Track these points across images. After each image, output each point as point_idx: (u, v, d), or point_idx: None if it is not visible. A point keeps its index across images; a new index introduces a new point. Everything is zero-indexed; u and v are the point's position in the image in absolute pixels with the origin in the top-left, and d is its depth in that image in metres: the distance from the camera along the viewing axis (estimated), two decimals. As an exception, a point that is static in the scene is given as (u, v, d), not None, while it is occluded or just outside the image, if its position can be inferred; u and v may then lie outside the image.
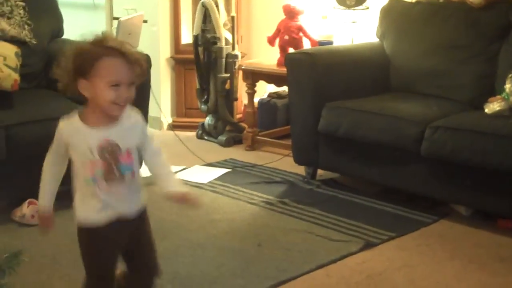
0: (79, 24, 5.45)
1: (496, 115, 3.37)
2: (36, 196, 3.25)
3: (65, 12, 4.28)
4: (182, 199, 2.11)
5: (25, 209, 3.21)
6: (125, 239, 2.10)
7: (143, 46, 3.94)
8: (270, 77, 4.65)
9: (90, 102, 2.01)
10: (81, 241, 2.13)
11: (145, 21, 4.31)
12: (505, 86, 3.44)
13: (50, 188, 2.18)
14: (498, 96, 3.47)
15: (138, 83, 2.06)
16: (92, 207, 2.04)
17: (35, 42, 3.93)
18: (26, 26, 3.91)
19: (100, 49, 1.95)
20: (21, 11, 3.92)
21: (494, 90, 3.67)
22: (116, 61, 1.95)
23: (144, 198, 2.15)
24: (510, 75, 3.44)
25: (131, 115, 2.09)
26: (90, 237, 2.09)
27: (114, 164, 2.00)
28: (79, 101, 3.49)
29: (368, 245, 3.06)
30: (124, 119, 2.05)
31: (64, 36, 4.21)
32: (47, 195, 2.18)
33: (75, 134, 2.02)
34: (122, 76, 1.97)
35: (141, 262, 2.19)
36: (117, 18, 4.02)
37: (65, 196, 3.51)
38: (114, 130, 2.02)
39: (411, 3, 4.21)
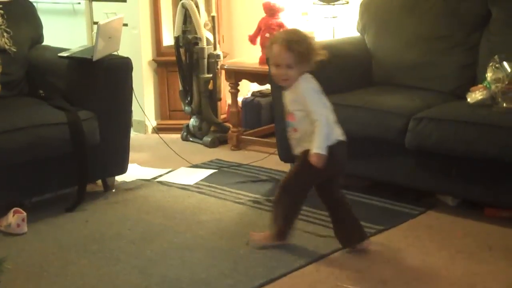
0: (59, 30, 5.45)
1: (479, 104, 3.37)
2: (20, 205, 3.26)
3: (44, 19, 4.26)
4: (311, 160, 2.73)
5: (11, 218, 3.18)
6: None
7: (124, 49, 3.93)
8: (253, 76, 4.64)
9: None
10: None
11: (125, 25, 4.29)
12: (486, 75, 3.45)
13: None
14: (480, 85, 3.48)
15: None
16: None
17: (14, 50, 3.90)
18: (5, 34, 3.89)
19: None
20: (0, 19, 3.89)
21: (476, 79, 3.69)
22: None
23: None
24: (491, 64, 3.44)
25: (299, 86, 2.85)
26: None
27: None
28: (61, 108, 3.51)
29: (356, 239, 3.05)
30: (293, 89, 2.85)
31: (44, 43, 4.19)
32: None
33: None
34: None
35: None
36: (97, 23, 4.00)
37: (52, 204, 3.52)
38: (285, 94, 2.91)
39: (391, -4, 4.21)
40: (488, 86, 3.40)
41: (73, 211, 3.46)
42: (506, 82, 3.34)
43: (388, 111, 3.46)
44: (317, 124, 2.74)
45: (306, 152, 2.77)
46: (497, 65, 3.41)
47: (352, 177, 3.78)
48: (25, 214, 3.21)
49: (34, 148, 3.32)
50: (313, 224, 3.24)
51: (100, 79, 3.60)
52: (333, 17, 4.47)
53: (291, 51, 2.76)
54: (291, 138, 2.90)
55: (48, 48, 4.10)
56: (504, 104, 3.28)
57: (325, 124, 2.76)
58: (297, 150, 2.89)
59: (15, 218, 3.18)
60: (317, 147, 2.72)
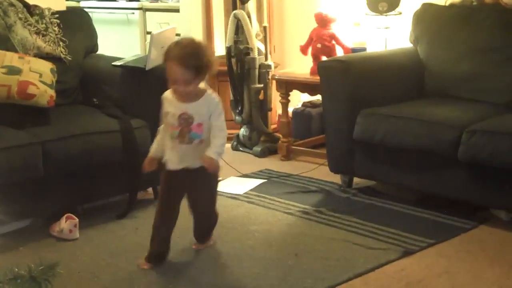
0: (113, 40, 5.55)
1: (534, 117, 3.31)
2: (73, 211, 3.32)
3: (99, 28, 4.33)
4: (205, 163, 2.79)
5: (63, 224, 3.23)
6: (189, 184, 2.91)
7: (176, 59, 3.95)
8: (304, 86, 4.64)
9: None
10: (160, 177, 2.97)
11: (178, 34, 4.34)
12: (542, 87, 3.38)
13: (157, 142, 2.96)
14: (536, 98, 3.41)
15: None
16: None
17: (70, 58, 3.97)
18: (61, 43, 3.96)
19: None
20: (56, 28, 3.97)
21: (530, 91, 3.62)
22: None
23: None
24: (547, 77, 3.38)
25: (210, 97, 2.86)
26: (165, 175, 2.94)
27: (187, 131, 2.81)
28: (114, 116, 3.56)
29: (406, 253, 3.02)
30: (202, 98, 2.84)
31: (99, 52, 4.26)
32: (153, 146, 2.99)
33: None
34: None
35: (198, 206, 3.05)
36: (150, 33, 4.05)
37: (103, 211, 3.57)
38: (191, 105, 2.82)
39: (444, 6, 4.17)
40: (544, 98, 3.34)
41: (124, 218, 3.50)
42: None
43: (440, 123, 3.42)
44: (223, 134, 2.86)
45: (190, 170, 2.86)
46: (552, 78, 3.35)
47: (404, 189, 3.75)
48: (77, 220, 3.26)
49: (88, 155, 3.37)
50: (363, 236, 3.21)
51: (153, 88, 3.63)
52: (386, 28, 4.44)
53: (187, 67, 2.72)
54: (187, 150, 2.84)
55: (102, 57, 4.16)
56: (561, 118, 3.21)
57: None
58: (182, 164, 2.87)
59: (67, 224, 3.23)
60: (217, 152, 2.81)
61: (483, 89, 3.83)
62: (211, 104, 2.84)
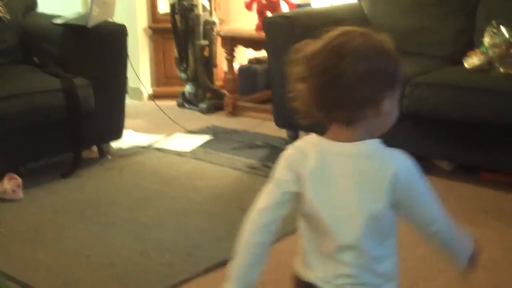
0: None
1: (476, 69, 3.36)
2: (15, 171, 3.26)
3: (38, -15, 4.22)
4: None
5: (6, 184, 3.18)
6: None
7: (119, 16, 3.89)
8: (249, 42, 4.61)
9: (376, 124, 1.40)
10: None
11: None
12: (483, 40, 3.43)
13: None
14: (477, 50, 3.46)
15: None
16: None
17: (8, 17, 3.86)
18: (-1, 1, 3.85)
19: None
20: (-8, -14, 3.86)
21: (473, 44, 3.66)
22: None
23: None
24: (488, 29, 3.42)
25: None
26: None
27: None
28: (56, 74, 3.49)
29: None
30: None
31: (39, 10, 4.15)
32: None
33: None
34: None
35: None
36: (91, -11, 3.96)
37: (48, 170, 3.52)
38: None
39: (387, -40, 4.17)
40: (485, 51, 3.39)
41: (69, 177, 3.46)
42: (504, 47, 3.32)
43: (384, 76, 3.44)
44: None
45: None
46: (494, 30, 3.39)
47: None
48: (20, 180, 3.21)
49: (29, 115, 3.31)
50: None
51: (95, 46, 3.58)
52: (330, -17, 4.44)
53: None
54: None
55: (42, 15, 4.06)
56: (501, 69, 3.26)
57: None
58: None
59: (10, 184, 3.18)
60: None
61: (426, 43, 3.86)
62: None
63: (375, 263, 1.38)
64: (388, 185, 1.34)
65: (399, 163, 1.38)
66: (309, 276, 1.43)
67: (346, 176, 1.36)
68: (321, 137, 1.40)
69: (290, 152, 1.44)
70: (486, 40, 3.40)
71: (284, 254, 2.58)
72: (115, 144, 3.87)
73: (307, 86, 1.36)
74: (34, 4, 4.13)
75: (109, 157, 3.78)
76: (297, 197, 1.41)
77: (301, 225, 1.46)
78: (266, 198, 1.46)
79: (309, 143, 1.42)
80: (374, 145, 1.39)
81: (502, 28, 3.37)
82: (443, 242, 1.48)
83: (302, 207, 1.41)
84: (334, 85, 1.32)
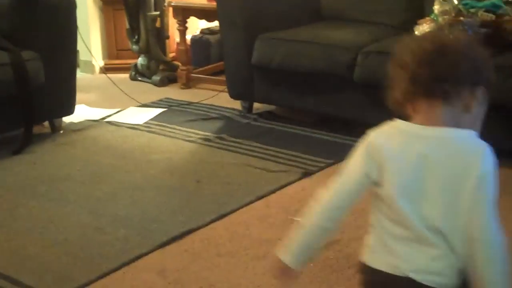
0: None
1: (426, 36, 3.39)
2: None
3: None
4: None
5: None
6: None
7: (67, -13, 3.81)
8: (201, 13, 4.57)
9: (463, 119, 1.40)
10: None
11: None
12: (433, 8, 3.45)
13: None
14: (427, 18, 3.48)
15: None
16: None
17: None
18: None
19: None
20: None
21: (423, 12, 3.69)
22: None
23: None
24: (438, -4, 3.45)
25: None
26: None
27: None
28: (3, 48, 3.41)
29: (306, 174, 3.08)
30: None
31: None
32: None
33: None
34: None
35: None
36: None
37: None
38: None
39: None
40: (435, 18, 3.41)
41: (20, 153, 3.40)
42: (453, 15, 3.34)
43: (336, 45, 3.46)
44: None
45: None
46: (444, -3, 3.42)
47: (302, 112, 3.81)
48: (-30, 157, 3.15)
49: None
50: (264, 160, 3.25)
51: (43, 18, 3.50)
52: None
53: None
54: None
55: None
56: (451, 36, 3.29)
57: None
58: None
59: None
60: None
61: (378, 11, 3.89)
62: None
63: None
64: (469, 185, 1.32)
65: (487, 164, 1.34)
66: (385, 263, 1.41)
67: (432, 159, 1.36)
68: (407, 122, 1.42)
69: (372, 137, 1.46)
70: (436, 7, 3.42)
71: (239, 226, 2.60)
72: (67, 119, 3.81)
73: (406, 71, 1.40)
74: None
75: (61, 132, 3.72)
76: (374, 184, 1.43)
77: (376, 213, 1.45)
78: (343, 182, 1.48)
79: (394, 127, 1.44)
80: (466, 132, 1.38)
81: (452, -4, 3.40)
82: (479, 272, 1.34)
83: (381, 193, 1.42)
84: (437, 61, 1.36)
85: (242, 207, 2.77)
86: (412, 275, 1.36)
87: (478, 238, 1.32)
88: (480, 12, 3.27)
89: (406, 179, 1.38)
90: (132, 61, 4.93)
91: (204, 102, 4.22)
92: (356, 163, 1.46)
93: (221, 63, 4.42)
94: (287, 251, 1.52)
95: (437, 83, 1.36)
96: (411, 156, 1.38)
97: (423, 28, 3.42)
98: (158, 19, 4.71)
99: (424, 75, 1.36)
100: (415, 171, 1.37)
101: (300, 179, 3.03)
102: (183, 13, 4.59)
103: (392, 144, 1.40)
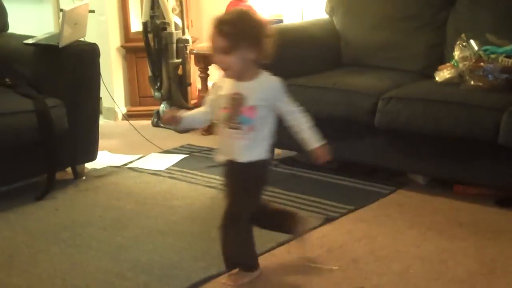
0: (25, 18, 5.38)
1: (447, 82, 3.40)
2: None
3: (9, 6, 4.19)
4: (318, 154, 2.47)
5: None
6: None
7: (91, 36, 3.89)
8: (222, 60, 4.61)
9: None
10: None
11: (92, 11, 4.25)
12: (454, 54, 3.47)
13: (192, 113, 2.63)
14: (448, 64, 3.50)
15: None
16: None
17: (-21, 38, 3.84)
18: (-32, 22, 3.82)
19: None
20: (-38, 7, 3.83)
21: (444, 58, 3.71)
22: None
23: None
24: (458, 43, 3.46)
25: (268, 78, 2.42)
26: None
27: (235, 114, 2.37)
28: (28, 95, 3.47)
29: (328, 220, 3.07)
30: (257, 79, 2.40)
31: (10, 31, 4.13)
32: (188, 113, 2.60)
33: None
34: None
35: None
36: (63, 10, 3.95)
37: (21, 193, 3.48)
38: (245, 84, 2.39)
39: (358, -23, 4.21)
40: (455, 64, 3.42)
41: (43, 199, 3.42)
42: (473, 60, 3.36)
43: (357, 91, 3.47)
44: (307, 118, 2.45)
45: (251, 164, 2.39)
46: (464, 44, 3.43)
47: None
48: (-7, 203, 3.18)
49: (1, 137, 3.28)
50: (285, 205, 3.24)
51: (67, 65, 3.56)
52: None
53: (223, 34, 2.29)
54: (233, 139, 2.38)
55: (13, 36, 4.04)
56: (472, 82, 3.30)
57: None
58: (230, 156, 2.42)
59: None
60: (320, 138, 2.45)
61: (398, 57, 3.90)
62: (273, 86, 2.39)
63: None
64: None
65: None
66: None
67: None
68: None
69: None
70: (456, 53, 3.44)
71: (261, 272, 2.57)
72: (89, 165, 3.84)
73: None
74: (5, 26, 4.11)
75: (84, 178, 3.75)
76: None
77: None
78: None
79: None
80: None
81: (471, 42, 3.41)
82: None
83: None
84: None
85: (263, 253, 2.75)
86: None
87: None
88: (501, 58, 3.28)
89: None
90: (154, 108, 4.98)
91: (225, 148, 4.23)
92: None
93: (242, 109, 4.44)
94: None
95: None
96: None
97: (443, 74, 3.44)
98: (180, 66, 4.77)
99: None
100: None
101: (321, 225, 3.02)
102: (205, 61, 4.64)
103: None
